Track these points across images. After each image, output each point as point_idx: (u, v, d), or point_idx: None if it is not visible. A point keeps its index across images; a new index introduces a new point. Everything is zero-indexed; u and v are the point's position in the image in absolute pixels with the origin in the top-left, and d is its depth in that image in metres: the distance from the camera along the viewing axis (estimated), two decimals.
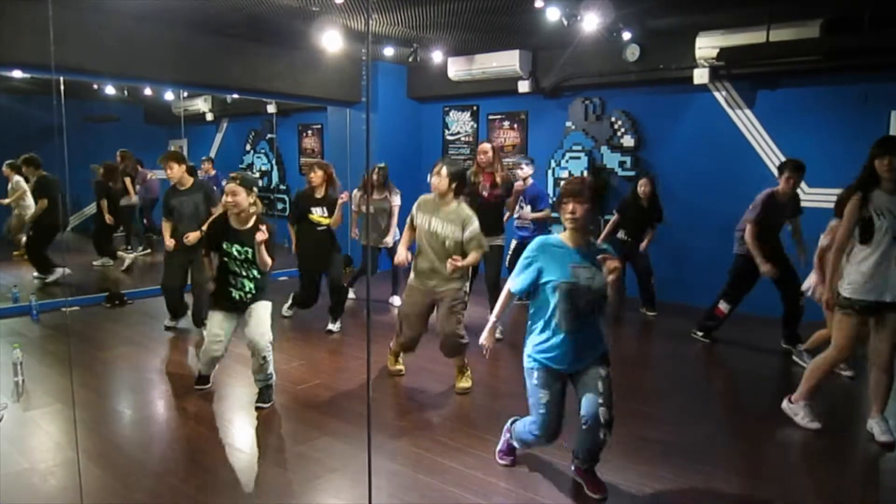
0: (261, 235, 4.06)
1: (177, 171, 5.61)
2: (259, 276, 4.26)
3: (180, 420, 4.16)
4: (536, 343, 3.11)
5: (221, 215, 4.35)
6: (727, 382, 5.25)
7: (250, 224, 4.21)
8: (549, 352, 3.06)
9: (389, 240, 6.90)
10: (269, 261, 4.18)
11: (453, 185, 4.34)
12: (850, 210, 3.70)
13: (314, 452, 3.61)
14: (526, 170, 6.84)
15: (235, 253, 4.18)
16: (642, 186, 6.64)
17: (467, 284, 4.57)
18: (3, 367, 4.77)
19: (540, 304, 3.09)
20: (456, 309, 4.43)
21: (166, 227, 5.73)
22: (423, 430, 3.96)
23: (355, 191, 7.02)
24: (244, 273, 4.22)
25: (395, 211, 6.85)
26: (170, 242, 5.67)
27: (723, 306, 5.71)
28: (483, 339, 3.35)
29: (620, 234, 6.77)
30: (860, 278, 3.65)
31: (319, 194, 5.86)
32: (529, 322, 3.17)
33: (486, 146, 5.74)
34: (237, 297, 4.24)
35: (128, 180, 8.96)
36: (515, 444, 3.41)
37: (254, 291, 4.26)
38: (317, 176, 5.85)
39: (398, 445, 3.73)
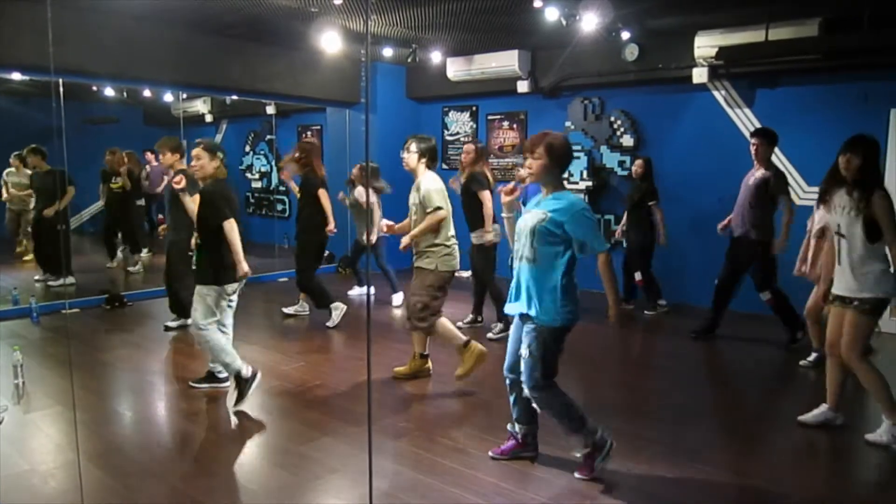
0: (175, 183, 4.38)
1: (168, 159, 5.66)
2: (205, 247, 4.23)
3: (180, 421, 4.16)
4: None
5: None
6: (727, 381, 5.25)
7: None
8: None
9: (374, 236, 6.99)
10: (190, 206, 4.42)
11: (423, 160, 4.57)
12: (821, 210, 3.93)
13: (315, 453, 3.61)
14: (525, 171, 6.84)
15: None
16: (637, 168, 6.75)
17: (441, 272, 4.53)
18: (3, 369, 4.77)
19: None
20: (413, 291, 4.54)
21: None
22: (424, 430, 3.96)
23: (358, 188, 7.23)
24: (199, 240, 4.29)
25: (376, 208, 7.11)
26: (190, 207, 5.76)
27: (767, 295, 5.62)
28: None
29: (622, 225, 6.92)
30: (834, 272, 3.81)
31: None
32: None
33: (469, 146, 5.92)
34: (194, 266, 4.36)
35: (124, 170, 8.91)
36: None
37: (198, 260, 4.29)
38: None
39: (399, 446, 3.73)
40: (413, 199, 4.60)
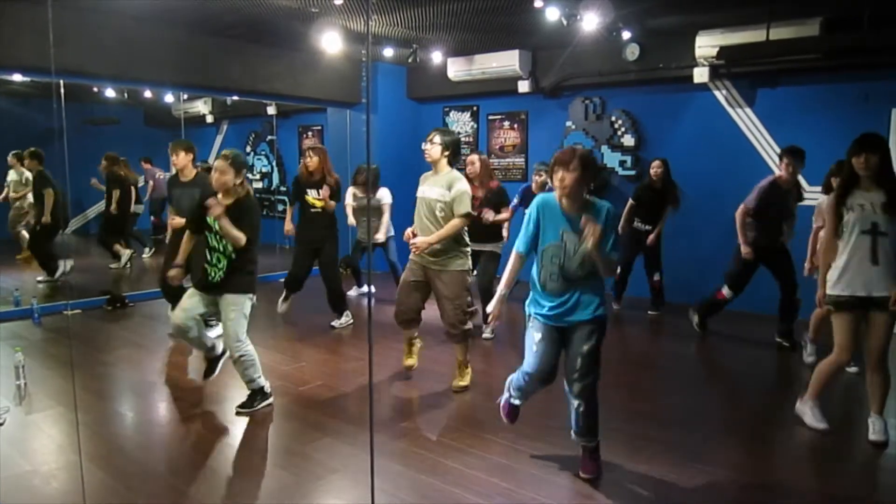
0: (215, 208, 3.90)
1: (182, 160, 5.61)
2: (235, 256, 4.03)
3: (182, 422, 4.16)
4: (531, 298, 3.30)
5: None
6: (729, 381, 5.24)
7: (231, 202, 4.07)
8: (539, 308, 3.24)
9: (381, 235, 7.06)
10: (236, 234, 3.94)
11: (446, 154, 4.38)
12: (828, 209, 3.80)
13: (316, 453, 3.61)
14: (545, 176, 6.81)
15: (216, 226, 4.03)
16: (655, 168, 6.63)
17: (469, 270, 4.50)
18: (4, 370, 4.77)
19: (533, 261, 3.28)
20: (449, 297, 4.37)
21: (171, 215, 5.76)
22: (425, 430, 3.96)
23: (349, 189, 7.27)
24: (220, 248, 4.05)
25: (386, 209, 7.09)
26: (175, 222, 5.62)
27: (725, 291, 5.68)
28: (491, 306, 3.40)
29: (636, 224, 6.74)
30: (835, 273, 3.73)
31: (316, 178, 6.00)
32: (531, 274, 3.29)
33: (474, 157, 5.82)
34: (212, 274, 4.07)
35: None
36: (514, 398, 3.47)
37: (226, 269, 4.04)
38: (313, 161, 6.01)
39: (400, 446, 3.73)
40: (438, 194, 4.32)
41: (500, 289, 3.39)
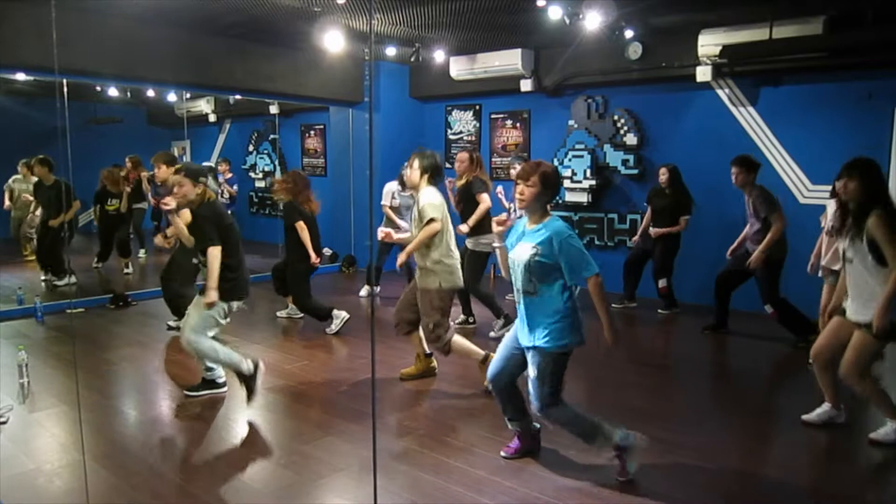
0: (164, 205, 4.19)
1: (163, 173, 5.72)
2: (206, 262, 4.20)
3: (185, 420, 4.16)
4: None
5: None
6: (735, 381, 5.23)
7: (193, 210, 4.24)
8: None
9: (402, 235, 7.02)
10: (187, 235, 4.29)
11: (425, 176, 4.52)
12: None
13: (319, 452, 3.61)
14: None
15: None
16: (661, 175, 6.65)
17: (443, 289, 4.47)
18: (8, 368, 4.78)
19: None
20: (422, 311, 4.49)
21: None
22: (428, 429, 3.96)
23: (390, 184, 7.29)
24: (202, 254, 4.23)
25: None
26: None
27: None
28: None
29: (652, 229, 6.73)
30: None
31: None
32: None
33: (463, 155, 5.95)
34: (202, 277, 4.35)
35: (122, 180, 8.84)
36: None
37: (204, 274, 4.26)
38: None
39: (403, 445, 3.73)
40: (414, 213, 4.60)
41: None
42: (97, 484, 3.21)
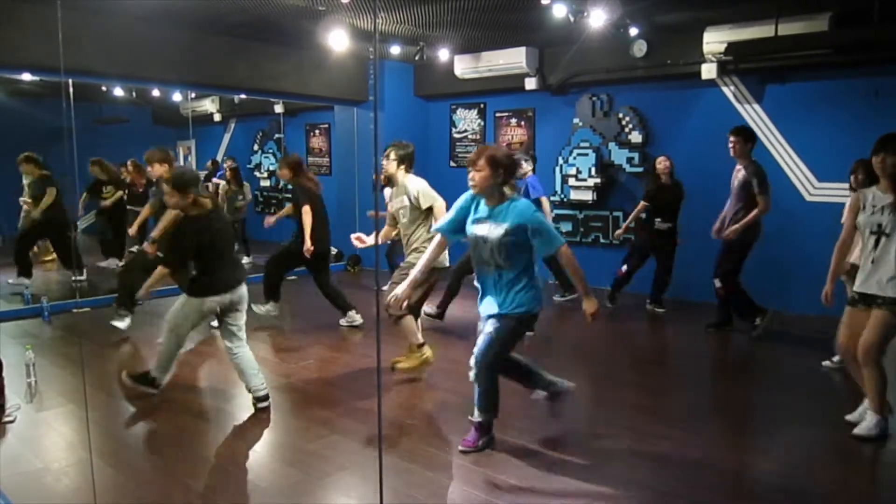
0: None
1: (157, 171, 5.70)
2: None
3: (192, 419, 4.17)
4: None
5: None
6: (735, 379, 5.21)
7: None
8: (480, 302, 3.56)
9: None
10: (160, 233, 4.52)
11: (402, 167, 4.78)
12: (848, 207, 3.84)
13: (325, 451, 3.62)
14: (525, 167, 6.81)
15: None
16: (662, 163, 6.59)
17: (410, 265, 4.43)
18: (15, 368, 4.80)
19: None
20: (395, 279, 4.54)
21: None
22: (434, 427, 3.97)
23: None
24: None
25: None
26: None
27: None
28: (398, 289, 3.68)
29: (658, 224, 6.62)
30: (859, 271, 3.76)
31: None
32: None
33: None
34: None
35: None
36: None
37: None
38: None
39: (408, 443, 3.73)
40: (399, 203, 4.77)
41: (413, 272, 3.66)
42: (104, 482, 3.22)
